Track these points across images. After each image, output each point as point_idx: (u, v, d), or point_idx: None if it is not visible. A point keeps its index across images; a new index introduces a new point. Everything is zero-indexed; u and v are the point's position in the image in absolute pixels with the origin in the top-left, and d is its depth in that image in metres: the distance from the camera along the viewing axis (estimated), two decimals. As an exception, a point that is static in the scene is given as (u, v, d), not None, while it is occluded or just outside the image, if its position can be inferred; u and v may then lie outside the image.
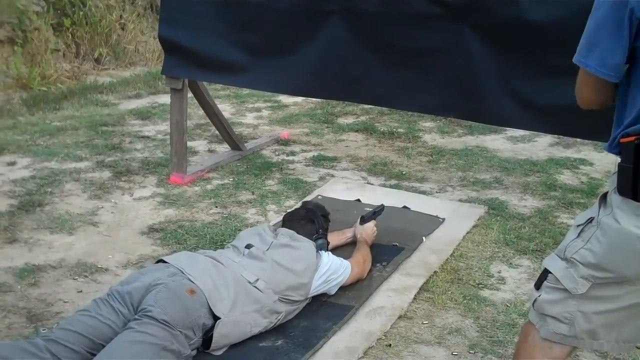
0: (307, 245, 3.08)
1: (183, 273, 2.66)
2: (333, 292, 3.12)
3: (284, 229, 3.20)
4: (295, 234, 3.13)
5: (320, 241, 3.22)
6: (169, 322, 2.43)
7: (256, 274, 2.82)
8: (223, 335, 2.62)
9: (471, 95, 3.71)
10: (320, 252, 3.11)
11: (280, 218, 3.50)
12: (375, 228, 3.58)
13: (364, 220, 3.58)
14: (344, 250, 3.46)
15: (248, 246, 2.98)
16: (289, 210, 3.71)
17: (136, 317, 2.46)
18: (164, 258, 2.83)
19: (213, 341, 2.60)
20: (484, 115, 3.82)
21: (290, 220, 3.29)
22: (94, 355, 2.38)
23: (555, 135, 5.52)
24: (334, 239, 3.50)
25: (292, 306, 2.91)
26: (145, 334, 2.39)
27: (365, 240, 3.48)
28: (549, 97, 3.49)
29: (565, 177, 4.86)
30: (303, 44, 4.04)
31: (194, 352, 2.58)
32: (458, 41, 3.62)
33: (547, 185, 4.67)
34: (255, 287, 2.77)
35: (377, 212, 3.65)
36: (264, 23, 4.13)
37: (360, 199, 4.25)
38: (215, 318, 2.60)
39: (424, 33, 3.71)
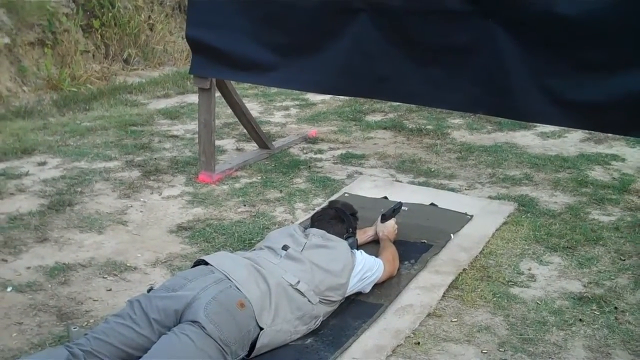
0: (341, 244, 3.06)
1: (229, 279, 2.62)
2: (368, 290, 3.09)
3: (314, 229, 3.16)
4: (327, 234, 3.10)
5: (350, 240, 3.19)
6: (223, 340, 2.42)
7: (297, 275, 2.79)
8: (265, 345, 2.61)
9: (501, 92, 3.65)
10: (353, 250, 3.09)
11: (308, 216, 3.48)
12: (395, 225, 3.56)
13: (385, 218, 3.56)
14: (366, 248, 3.40)
15: (285, 247, 2.94)
16: (316, 209, 3.69)
17: (188, 326, 2.42)
18: (205, 258, 2.78)
19: (254, 351, 2.59)
20: (514, 111, 3.76)
21: (320, 221, 3.25)
22: None
23: (586, 131, 5.46)
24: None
25: (330, 307, 2.89)
26: (202, 350, 2.37)
27: (387, 237, 3.47)
28: (581, 92, 3.44)
29: (597, 173, 4.79)
30: (331, 42, 4.03)
31: None
32: (487, 37, 3.58)
33: (578, 182, 4.61)
34: (296, 289, 2.74)
35: (396, 209, 3.63)
36: (291, 22, 4.13)
37: (388, 197, 4.23)
38: (259, 327, 2.59)
39: (452, 29, 3.66)
